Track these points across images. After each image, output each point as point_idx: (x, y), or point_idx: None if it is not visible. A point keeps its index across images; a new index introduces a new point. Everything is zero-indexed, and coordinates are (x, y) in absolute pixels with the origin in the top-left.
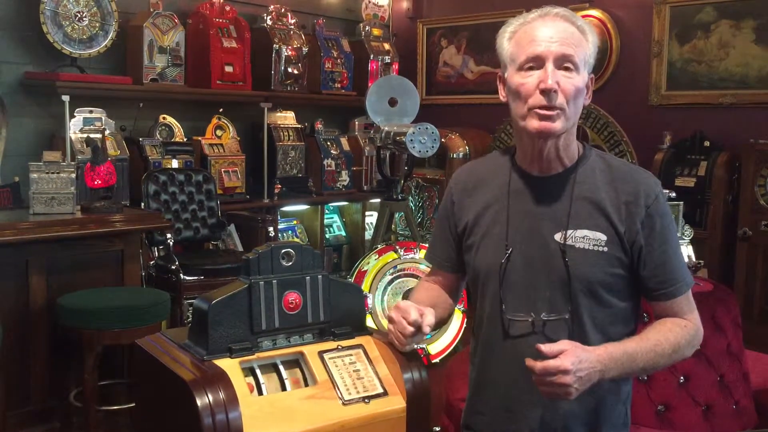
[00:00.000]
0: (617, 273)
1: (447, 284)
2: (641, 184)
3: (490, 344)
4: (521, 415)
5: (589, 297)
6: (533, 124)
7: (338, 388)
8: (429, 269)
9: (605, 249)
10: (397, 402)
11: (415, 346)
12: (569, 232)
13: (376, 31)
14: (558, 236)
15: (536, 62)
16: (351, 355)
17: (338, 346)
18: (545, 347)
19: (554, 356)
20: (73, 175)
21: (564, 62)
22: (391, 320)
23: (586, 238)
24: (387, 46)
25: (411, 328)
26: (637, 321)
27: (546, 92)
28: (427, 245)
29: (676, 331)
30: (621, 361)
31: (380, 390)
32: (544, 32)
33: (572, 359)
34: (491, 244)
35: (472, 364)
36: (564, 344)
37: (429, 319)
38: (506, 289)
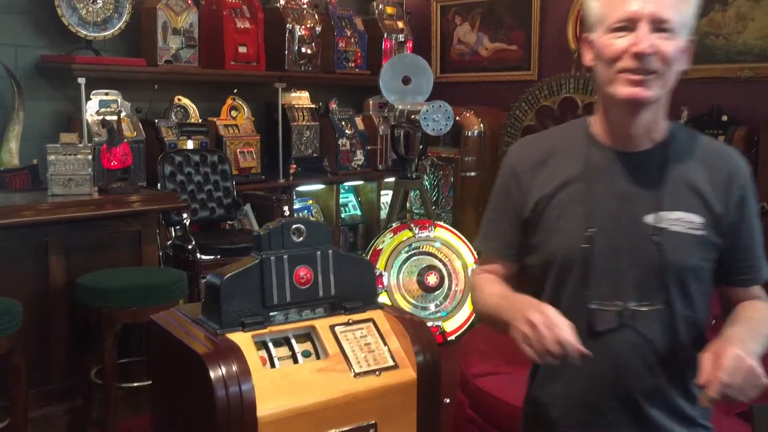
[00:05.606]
0: (710, 258)
1: (509, 275)
2: (735, 163)
3: None
4: (610, 410)
5: (678, 285)
6: (622, 90)
7: (349, 361)
8: (483, 259)
9: (702, 232)
10: (407, 374)
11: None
12: (662, 213)
13: (389, 10)
14: (650, 218)
15: (629, 23)
16: (362, 328)
17: (349, 320)
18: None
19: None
20: (90, 157)
21: (660, 24)
22: (532, 325)
23: (681, 220)
24: (401, 25)
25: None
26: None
27: (639, 56)
28: (441, 222)
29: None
30: (747, 334)
31: (391, 363)
32: None
33: (723, 352)
34: (570, 226)
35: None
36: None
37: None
38: (589, 276)
